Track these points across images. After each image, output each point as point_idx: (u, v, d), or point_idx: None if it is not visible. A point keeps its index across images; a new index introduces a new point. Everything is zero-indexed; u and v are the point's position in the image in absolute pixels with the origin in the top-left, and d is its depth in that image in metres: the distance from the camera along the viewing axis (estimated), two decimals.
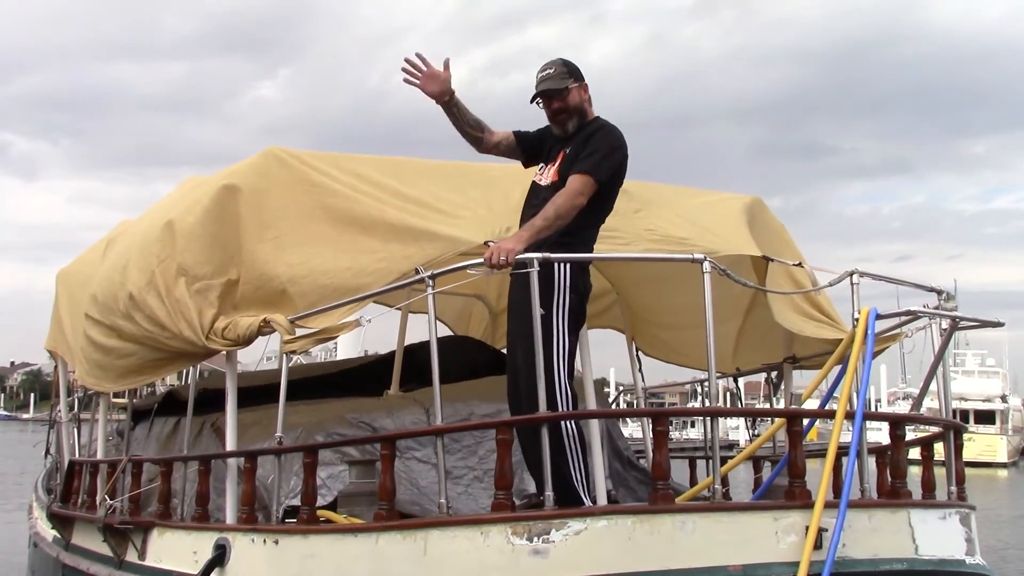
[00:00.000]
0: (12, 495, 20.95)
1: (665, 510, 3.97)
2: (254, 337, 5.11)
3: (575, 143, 4.87)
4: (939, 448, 5.20)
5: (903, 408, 26.95)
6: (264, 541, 4.82)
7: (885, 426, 5.03)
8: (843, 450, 4.55)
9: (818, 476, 4.13)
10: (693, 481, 7.23)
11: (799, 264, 5.63)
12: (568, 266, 4.63)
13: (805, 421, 4.57)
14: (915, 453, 5.27)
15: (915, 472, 4.84)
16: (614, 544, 3.91)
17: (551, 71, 4.91)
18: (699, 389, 8.70)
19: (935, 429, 5.43)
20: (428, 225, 5.13)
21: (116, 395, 7.70)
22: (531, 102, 4.99)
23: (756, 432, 7.74)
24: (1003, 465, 47.68)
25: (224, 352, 5.32)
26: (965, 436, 5.49)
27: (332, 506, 5.34)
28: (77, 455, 7.99)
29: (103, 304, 5.96)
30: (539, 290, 4.19)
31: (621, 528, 3.93)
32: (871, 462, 4.98)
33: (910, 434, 5.35)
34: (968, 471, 5.22)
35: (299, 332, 5.00)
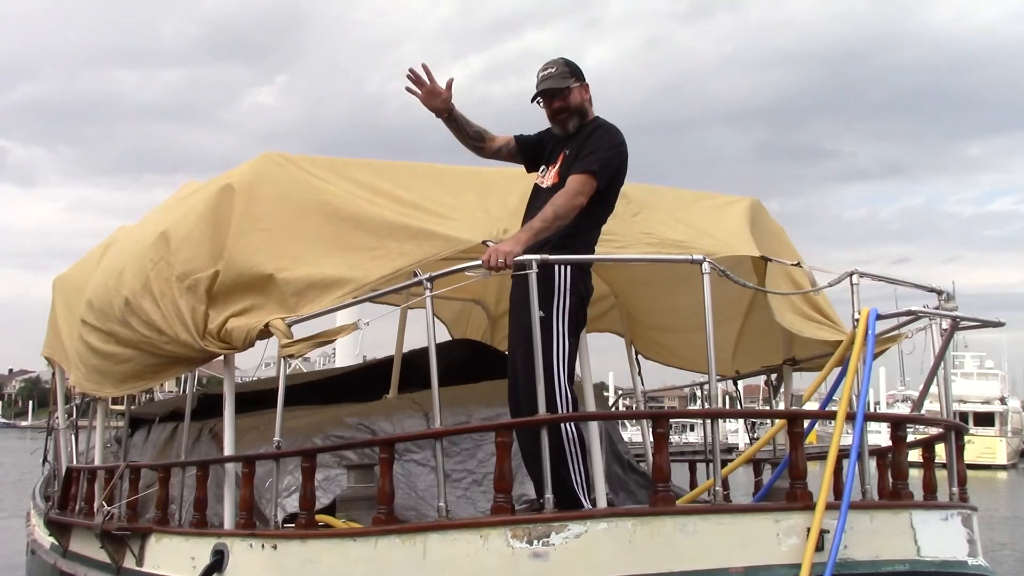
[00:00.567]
0: (10, 502, 20.91)
1: (666, 512, 3.95)
2: (253, 342, 5.09)
3: (575, 143, 4.84)
4: (939, 450, 5.19)
5: (902, 411, 26.92)
6: (262, 546, 4.79)
7: (885, 428, 5.02)
8: (843, 453, 4.54)
9: (818, 478, 4.12)
10: (693, 485, 7.19)
11: (798, 264, 5.61)
12: (568, 268, 4.59)
13: (806, 422, 4.55)
14: (915, 455, 5.25)
15: (916, 474, 4.82)
16: (615, 547, 3.89)
17: (552, 70, 4.89)
18: (698, 392, 8.70)
19: (936, 430, 5.41)
20: (425, 225, 5.10)
21: (114, 402, 7.69)
22: (532, 101, 4.97)
23: (755, 435, 7.73)
24: (1003, 467, 47.62)
25: (222, 357, 5.30)
26: (965, 438, 5.48)
27: (330, 510, 5.32)
28: (75, 462, 7.96)
29: (99, 310, 5.94)
30: (539, 292, 4.16)
31: (622, 530, 3.91)
32: (872, 464, 4.96)
33: (911, 436, 5.33)
34: (968, 473, 5.20)
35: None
